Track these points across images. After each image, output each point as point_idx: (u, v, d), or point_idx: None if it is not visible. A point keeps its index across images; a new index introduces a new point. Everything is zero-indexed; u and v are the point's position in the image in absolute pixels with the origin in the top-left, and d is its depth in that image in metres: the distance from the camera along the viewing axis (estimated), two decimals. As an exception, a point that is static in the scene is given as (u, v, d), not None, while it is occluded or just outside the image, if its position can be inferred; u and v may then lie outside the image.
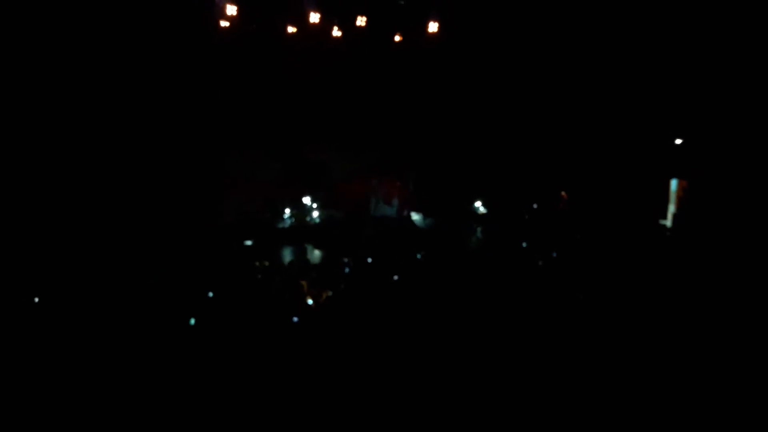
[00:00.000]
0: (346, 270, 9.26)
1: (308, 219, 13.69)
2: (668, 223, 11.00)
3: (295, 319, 6.81)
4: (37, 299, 7.33)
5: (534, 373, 4.84)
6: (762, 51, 9.07)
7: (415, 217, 13.82)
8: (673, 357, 4.86)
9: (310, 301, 7.76)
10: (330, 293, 7.88)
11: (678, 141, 11.27)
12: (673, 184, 11.01)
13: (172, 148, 12.38)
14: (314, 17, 11.94)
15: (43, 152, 11.01)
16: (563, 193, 12.61)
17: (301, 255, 11.63)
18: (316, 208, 13.80)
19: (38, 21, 10.55)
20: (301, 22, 12.07)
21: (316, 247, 12.39)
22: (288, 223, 13.53)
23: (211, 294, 7.75)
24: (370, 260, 9.77)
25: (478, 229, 13.27)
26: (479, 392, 4.71)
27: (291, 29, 12.33)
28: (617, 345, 5.20)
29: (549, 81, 12.53)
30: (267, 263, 9.88)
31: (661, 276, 7.22)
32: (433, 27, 12.25)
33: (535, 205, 13.05)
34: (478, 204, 13.90)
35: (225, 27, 11.90)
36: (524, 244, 10.21)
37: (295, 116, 13.39)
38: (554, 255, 9.03)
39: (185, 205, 12.10)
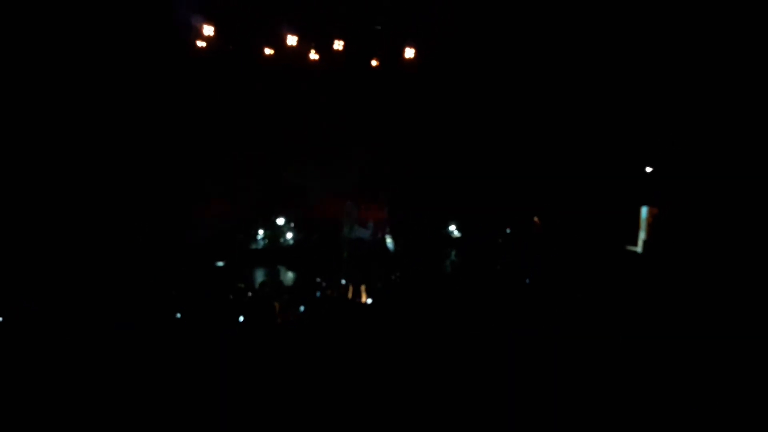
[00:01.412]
0: (318, 295, 9.15)
1: (282, 240, 13.55)
2: (638, 249, 11.12)
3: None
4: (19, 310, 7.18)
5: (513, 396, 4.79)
6: (734, 80, 9.31)
7: (388, 240, 13.80)
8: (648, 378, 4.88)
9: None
10: (300, 313, 7.76)
11: (648, 169, 11.47)
12: (644, 211, 11.15)
13: (144, 165, 12.18)
14: (291, 40, 11.98)
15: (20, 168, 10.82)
16: (536, 218, 12.72)
17: (273, 276, 11.47)
18: (290, 229, 13.68)
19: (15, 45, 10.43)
20: (279, 44, 12.10)
21: (290, 268, 12.25)
22: (261, 244, 13.37)
23: (178, 315, 7.57)
24: (344, 282, 9.67)
25: (452, 253, 13.29)
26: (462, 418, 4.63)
27: (268, 51, 12.34)
28: (591, 371, 5.19)
29: (523, 107, 12.71)
30: (242, 285, 9.73)
31: (631, 300, 7.26)
32: (409, 53, 12.40)
33: (508, 230, 13.13)
34: (452, 228, 13.94)
35: (201, 47, 11.85)
36: (498, 267, 10.24)
37: (271, 137, 13.33)
38: (526, 281, 9.06)
39: (154, 223, 11.88)
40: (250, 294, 9.45)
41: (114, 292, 8.63)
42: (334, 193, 13.68)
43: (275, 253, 13.05)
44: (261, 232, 13.45)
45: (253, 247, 13.26)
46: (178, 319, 7.43)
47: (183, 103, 12.43)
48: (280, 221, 13.63)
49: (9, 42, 10.40)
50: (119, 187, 11.75)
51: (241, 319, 7.88)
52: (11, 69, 10.57)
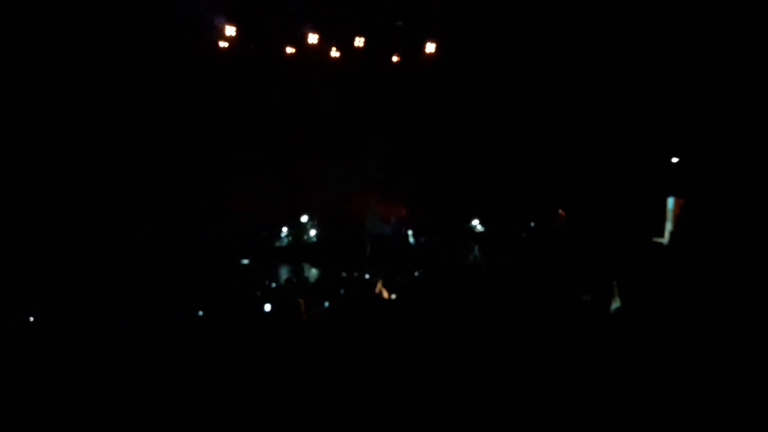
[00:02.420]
0: (342, 291, 9.20)
1: (305, 237, 13.65)
2: (665, 240, 10.95)
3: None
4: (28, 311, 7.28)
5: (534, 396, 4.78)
6: (758, 67, 9.11)
7: (410, 235, 13.82)
8: (668, 376, 4.83)
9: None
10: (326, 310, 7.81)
11: (675, 159, 11.29)
12: (670, 202, 10.98)
13: (168, 165, 12.36)
14: (312, 38, 12.03)
15: (37, 163, 11.01)
16: (561, 211, 12.60)
17: (298, 273, 11.57)
18: (313, 226, 13.77)
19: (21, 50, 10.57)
20: (300, 42, 12.16)
21: (314, 265, 12.33)
22: (285, 241, 13.49)
23: (201, 313, 7.67)
24: (368, 277, 9.72)
25: (476, 248, 13.23)
26: (480, 416, 4.63)
27: (290, 50, 12.42)
28: (611, 370, 5.15)
29: (546, 100, 12.59)
30: (271, 283, 9.84)
31: (657, 291, 7.15)
32: (430, 47, 12.36)
33: (532, 224, 13.03)
34: (475, 222, 13.88)
35: (224, 47, 11.97)
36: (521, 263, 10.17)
37: (293, 135, 13.43)
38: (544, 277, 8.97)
39: (181, 222, 12.07)
40: (275, 290, 9.56)
41: (128, 291, 8.73)
42: (356, 189, 13.73)
43: (299, 250, 13.15)
44: (285, 229, 13.57)
45: (278, 244, 13.38)
46: (200, 317, 7.53)
47: (206, 102, 12.59)
48: (304, 218, 13.73)
49: (21, 41, 10.52)
50: (139, 187, 11.94)
51: (267, 309, 7.96)
52: (20, 67, 10.69)
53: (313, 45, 12.13)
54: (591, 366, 4.92)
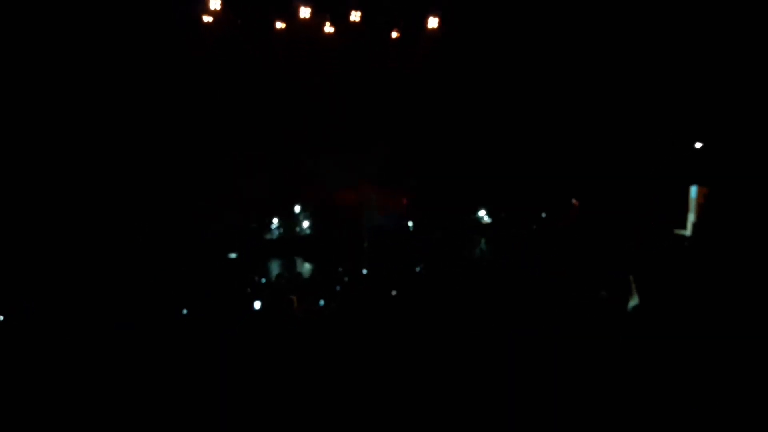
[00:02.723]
0: (338, 287, 9.25)
1: (298, 230, 13.67)
2: (687, 232, 10.99)
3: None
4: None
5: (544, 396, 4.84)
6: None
7: (410, 225, 13.86)
8: (689, 371, 4.90)
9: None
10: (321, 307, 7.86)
11: (698, 144, 11.30)
12: (693, 190, 11.00)
13: (148, 153, 12.35)
14: (304, 12, 11.98)
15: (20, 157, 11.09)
16: (574, 200, 12.62)
17: (290, 268, 11.61)
18: (306, 218, 13.79)
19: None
20: (291, 16, 12.11)
21: (307, 260, 12.37)
22: (276, 234, 13.51)
23: (185, 311, 7.73)
24: (365, 272, 9.76)
25: (482, 241, 13.26)
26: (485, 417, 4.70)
27: (279, 25, 12.36)
28: (632, 365, 5.22)
29: (558, 80, 12.56)
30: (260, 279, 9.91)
31: (679, 287, 7.20)
32: (432, 22, 12.31)
33: (543, 214, 13.05)
34: (482, 213, 13.90)
35: (208, 22, 11.91)
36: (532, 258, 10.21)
37: (285, 120, 13.40)
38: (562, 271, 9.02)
39: (164, 215, 12.08)
40: (265, 286, 9.60)
41: (117, 290, 8.86)
42: (353, 178, 13.73)
43: (291, 244, 13.18)
44: (276, 221, 13.59)
45: (268, 237, 13.41)
46: (185, 315, 7.58)
47: (188, 84, 12.53)
48: (296, 209, 13.75)
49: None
50: (122, 178, 11.96)
51: (257, 306, 8.03)
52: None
53: (305, 19, 12.08)
54: (601, 367, 4.99)
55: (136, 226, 11.73)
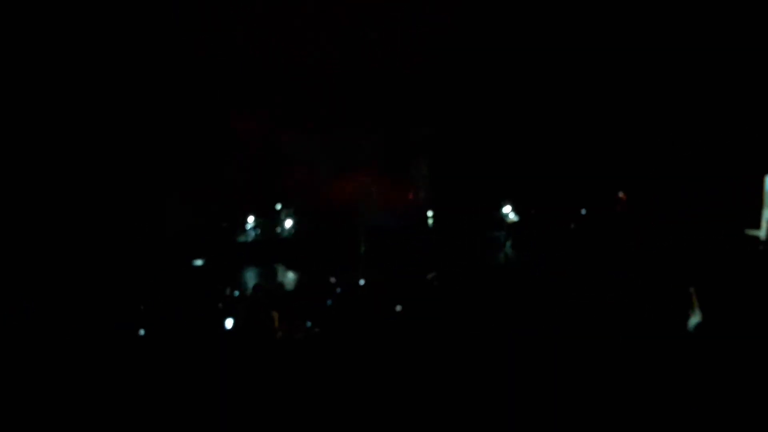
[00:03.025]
0: (328, 302, 9.31)
1: (279, 230, 13.73)
2: (762, 233, 11.05)
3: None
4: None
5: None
6: None
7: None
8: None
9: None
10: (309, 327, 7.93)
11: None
12: (768, 182, 11.09)
13: (96, 134, 12.41)
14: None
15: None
16: (621, 194, 12.66)
17: (270, 278, 11.67)
18: (289, 216, 13.84)
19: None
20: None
21: (290, 267, 12.43)
22: (252, 235, 13.57)
23: (142, 332, 7.81)
24: (362, 283, 9.82)
25: (508, 243, 13.31)
26: None
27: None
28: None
29: (602, 49, 12.61)
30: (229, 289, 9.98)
31: (752, 302, 7.26)
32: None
33: (583, 211, 13.08)
34: (507, 210, 13.94)
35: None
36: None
37: (264, 94, 13.42)
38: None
39: (114, 215, 12.13)
40: (239, 300, 9.66)
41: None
42: (348, 167, 13.77)
43: (271, 248, 13.24)
44: (251, 219, 13.64)
45: (242, 239, 13.47)
46: (142, 337, 7.66)
47: (146, 43, 12.58)
48: (277, 206, 13.82)
49: None
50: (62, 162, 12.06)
51: (229, 325, 8.13)
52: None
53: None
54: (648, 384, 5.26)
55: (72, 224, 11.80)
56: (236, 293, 9.89)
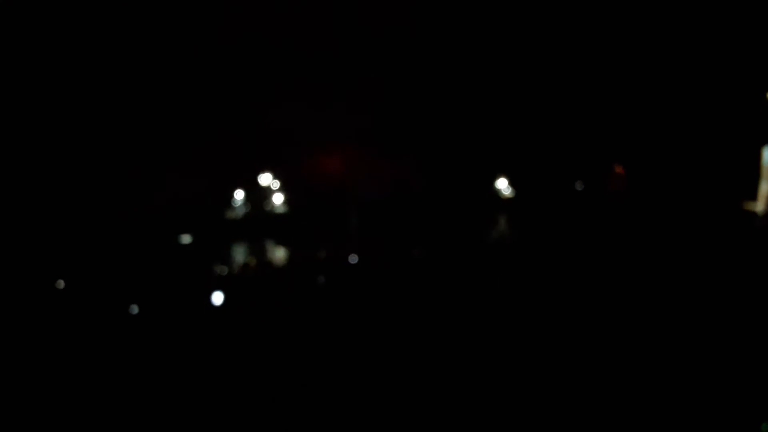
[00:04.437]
0: (321, 279, 9.39)
1: (268, 206, 13.72)
2: (759, 206, 11.09)
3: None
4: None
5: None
6: None
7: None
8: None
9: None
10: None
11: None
12: (767, 154, 11.09)
13: (73, 104, 12.37)
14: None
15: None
16: (618, 167, 12.69)
17: (259, 254, 11.71)
18: (278, 191, 13.81)
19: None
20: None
21: (280, 243, 12.45)
22: (240, 211, 13.56)
23: (136, 309, 7.88)
24: (355, 261, 9.89)
25: (502, 219, 13.31)
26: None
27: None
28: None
29: (598, 22, 12.57)
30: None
31: (749, 279, 7.36)
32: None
33: (579, 185, 13.10)
34: (501, 183, 13.92)
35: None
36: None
37: (252, 63, 13.32)
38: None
39: (96, 193, 12.11)
40: (228, 278, 9.74)
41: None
42: (337, 137, 13.68)
43: (259, 223, 13.24)
44: (240, 194, 13.62)
45: (230, 215, 13.46)
46: (133, 315, 7.74)
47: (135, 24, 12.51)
48: (265, 180, 13.79)
49: None
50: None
51: (218, 302, 8.21)
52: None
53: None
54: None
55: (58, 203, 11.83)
56: (225, 270, 9.97)
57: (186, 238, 12.27)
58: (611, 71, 12.64)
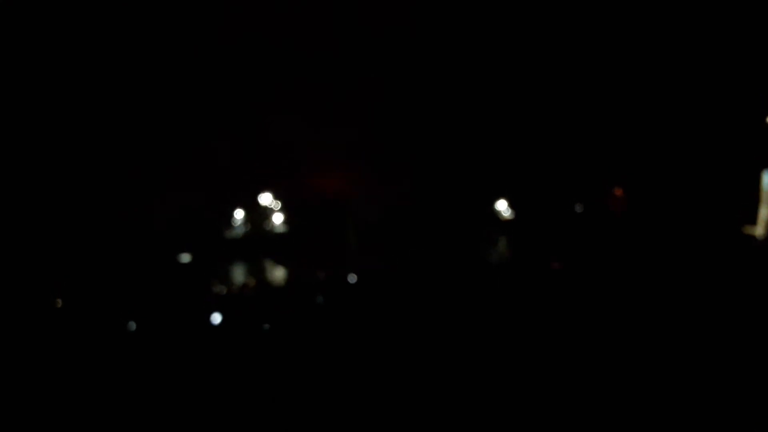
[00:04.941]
0: (319, 298, 9.39)
1: (267, 224, 13.74)
2: (758, 230, 11.13)
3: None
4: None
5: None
6: None
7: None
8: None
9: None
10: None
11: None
12: (767, 178, 11.13)
13: (71, 118, 12.41)
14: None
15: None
16: (617, 189, 12.75)
17: (258, 273, 11.72)
18: (278, 210, 13.83)
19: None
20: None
21: (279, 262, 12.46)
22: (240, 230, 13.57)
23: (133, 326, 7.91)
24: (353, 280, 9.91)
25: (500, 240, 13.34)
26: None
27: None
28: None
29: (602, 42, 12.65)
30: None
31: (749, 303, 7.41)
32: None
33: (578, 207, 13.15)
34: (501, 205, 13.96)
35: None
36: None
37: (252, 79, 13.34)
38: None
39: (96, 213, 12.13)
40: (227, 297, 9.75)
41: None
42: (337, 153, 13.67)
43: (259, 242, 13.25)
44: (239, 213, 13.64)
45: (229, 234, 13.47)
46: (133, 331, 7.76)
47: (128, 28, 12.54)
48: (265, 198, 13.81)
49: None
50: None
51: (217, 320, 8.22)
52: None
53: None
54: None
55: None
56: (224, 290, 9.99)
57: (186, 257, 12.29)
58: (613, 95, 12.73)
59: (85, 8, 12.35)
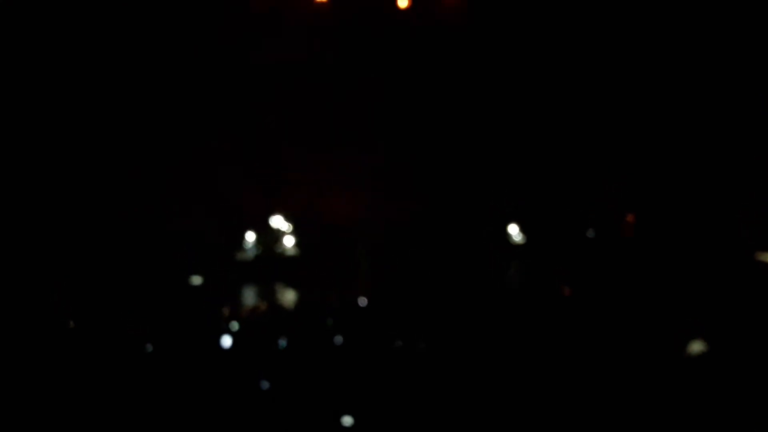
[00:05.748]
0: (329, 321, 9.41)
1: (278, 247, 13.74)
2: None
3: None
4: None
5: None
6: None
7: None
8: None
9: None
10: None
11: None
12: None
13: (86, 141, 12.50)
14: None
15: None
16: (629, 215, 12.72)
17: (269, 296, 11.72)
18: (289, 232, 13.83)
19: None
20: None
21: (290, 285, 12.46)
22: (251, 253, 13.57)
23: (147, 347, 7.96)
24: (364, 303, 9.92)
25: (512, 265, 13.30)
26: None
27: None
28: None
29: (611, 55, 12.66)
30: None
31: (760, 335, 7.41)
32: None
33: (590, 233, 13.11)
34: (512, 229, 13.92)
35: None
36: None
37: (264, 109, 13.44)
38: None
39: (106, 237, 12.18)
40: (236, 321, 9.77)
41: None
42: (346, 175, 13.69)
43: (270, 265, 13.26)
44: (251, 236, 13.66)
45: (241, 257, 13.48)
46: (148, 353, 7.81)
47: (138, 56, 12.66)
48: (276, 222, 13.82)
49: None
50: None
51: (227, 344, 8.25)
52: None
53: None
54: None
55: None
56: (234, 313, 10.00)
57: (197, 280, 12.31)
58: (623, 122, 12.73)
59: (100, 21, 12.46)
